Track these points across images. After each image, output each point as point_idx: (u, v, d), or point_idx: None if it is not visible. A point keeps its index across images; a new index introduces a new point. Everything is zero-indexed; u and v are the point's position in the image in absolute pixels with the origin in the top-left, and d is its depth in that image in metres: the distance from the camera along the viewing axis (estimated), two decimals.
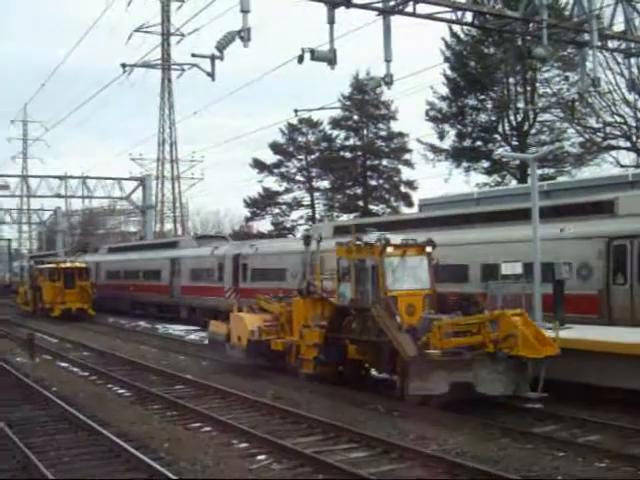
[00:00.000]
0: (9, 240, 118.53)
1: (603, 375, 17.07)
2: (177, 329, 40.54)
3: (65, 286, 48.47)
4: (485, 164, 50.73)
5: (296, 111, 38.10)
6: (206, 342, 29.17)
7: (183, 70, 64.79)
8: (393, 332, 17.96)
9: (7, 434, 14.97)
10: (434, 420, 15.82)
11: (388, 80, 19.89)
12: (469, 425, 15.54)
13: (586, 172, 46.30)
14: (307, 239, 26.06)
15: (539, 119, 48.62)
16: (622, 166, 43.57)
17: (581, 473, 12.20)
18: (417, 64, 33.40)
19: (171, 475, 11.93)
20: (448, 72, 49.64)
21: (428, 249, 19.75)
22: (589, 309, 20.51)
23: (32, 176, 77.68)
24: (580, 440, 14.41)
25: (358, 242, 20.08)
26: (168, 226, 79.03)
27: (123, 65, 48.81)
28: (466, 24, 23.41)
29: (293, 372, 22.09)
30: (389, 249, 19.26)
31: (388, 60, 19.59)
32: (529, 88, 48.05)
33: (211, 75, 20.86)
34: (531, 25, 21.38)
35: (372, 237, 19.95)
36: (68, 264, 50.80)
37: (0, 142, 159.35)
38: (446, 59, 48.54)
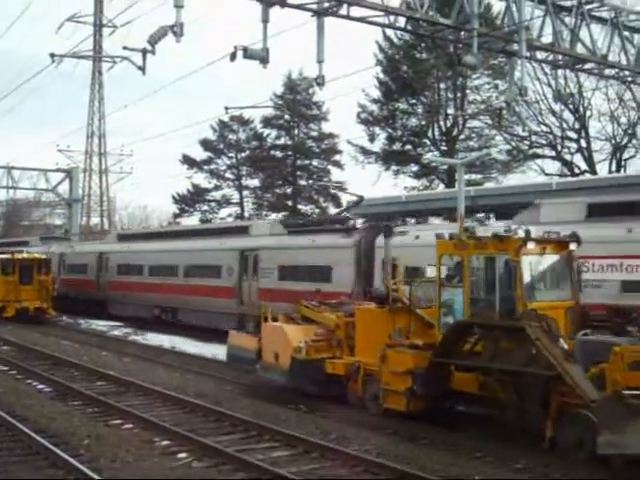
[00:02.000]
0: None
1: None
2: None
3: (20, 281, 41.03)
4: (414, 168, 51.38)
5: (227, 108, 38.04)
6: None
7: (114, 62, 63.55)
8: (561, 363, 13.10)
9: None
10: None
11: (320, 81, 19.96)
12: None
13: (512, 179, 47.29)
14: (388, 230, 21.65)
15: (468, 125, 49.51)
16: (546, 174, 44.64)
17: None
18: (350, 66, 33.75)
19: (90, 472, 11.81)
20: (381, 75, 50.11)
21: (572, 246, 15.71)
22: None
23: None
24: None
25: (476, 234, 16.13)
26: (95, 220, 77.90)
27: (52, 55, 47.90)
28: (399, 29, 23.67)
29: (358, 404, 17.27)
30: (530, 245, 14.86)
31: (320, 61, 19.66)
32: (459, 94, 48.83)
33: (142, 69, 20.68)
34: (462, 33, 21.68)
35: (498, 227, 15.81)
36: (25, 255, 43.06)
37: None
38: (379, 62, 48.99)
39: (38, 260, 42.09)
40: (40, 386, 20.87)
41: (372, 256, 26.35)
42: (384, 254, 20.66)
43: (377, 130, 51.46)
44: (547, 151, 45.36)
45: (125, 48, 21.48)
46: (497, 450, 13.73)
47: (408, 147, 51.39)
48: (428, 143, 50.67)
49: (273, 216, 65.23)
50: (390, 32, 46.08)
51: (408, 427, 15.44)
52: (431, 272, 19.90)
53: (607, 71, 24.87)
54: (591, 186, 25.50)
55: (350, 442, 14.37)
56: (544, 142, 44.79)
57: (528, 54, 22.34)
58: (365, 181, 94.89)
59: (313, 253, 28.79)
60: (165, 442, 14.43)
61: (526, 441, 13.80)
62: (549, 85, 39.06)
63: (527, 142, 45.35)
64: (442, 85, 48.83)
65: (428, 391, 15.54)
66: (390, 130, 51.12)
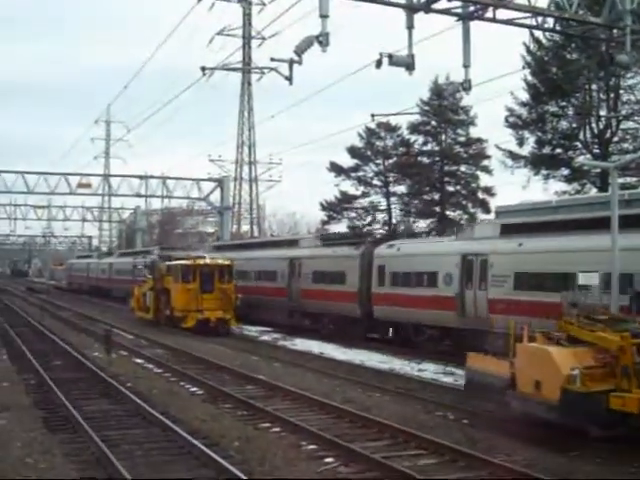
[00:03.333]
0: (89, 237, 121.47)
1: None
2: None
3: (201, 289, 38.68)
4: (565, 172, 49.89)
5: (373, 116, 38.14)
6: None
7: (263, 73, 65.35)
8: None
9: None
10: None
11: (466, 86, 19.82)
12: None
13: None
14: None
15: (622, 127, 47.67)
16: None
17: None
18: (497, 69, 33.20)
19: (240, 474, 12.06)
20: (529, 78, 49.05)
21: None
22: None
23: (114, 175, 79.72)
24: None
25: None
26: (245, 227, 79.76)
27: (203, 68, 49.44)
28: (547, 30, 23.18)
29: None
30: None
31: (467, 65, 19.53)
32: (612, 95, 47.09)
33: (289, 79, 21.03)
34: (615, 31, 20.99)
35: None
36: (207, 260, 40.55)
37: (84, 142, 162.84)
38: (527, 64, 47.96)
39: (220, 266, 39.46)
40: (193, 389, 21.53)
41: (371, 263, 32.87)
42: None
43: (526, 134, 50.31)
44: None
45: (273, 59, 21.93)
46: None
47: (558, 150, 49.98)
48: (579, 146, 49.14)
49: (421, 223, 65.04)
50: (538, 33, 45.12)
51: (559, 439, 15.00)
52: (582, 279, 19.59)
53: None
54: None
55: (498, 452, 14.12)
56: None
57: None
58: (513, 186, 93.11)
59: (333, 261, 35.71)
60: (312, 446, 14.59)
61: None
62: None
63: None
64: (594, 86, 47.29)
65: None
66: (540, 133, 49.89)
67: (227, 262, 39.87)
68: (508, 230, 27.09)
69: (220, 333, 36.79)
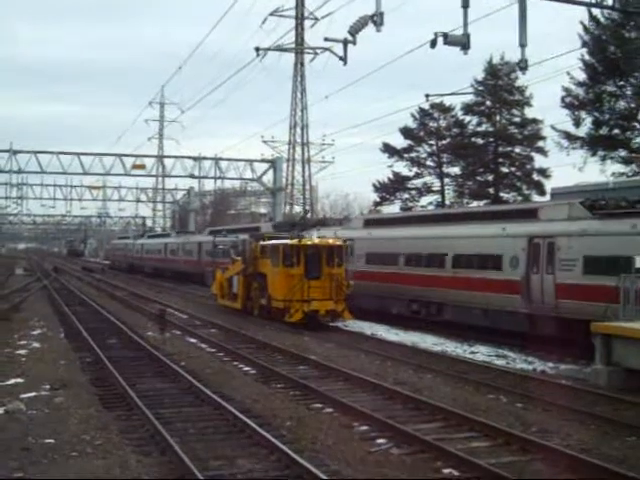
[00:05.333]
0: (143, 218, 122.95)
1: None
2: None
3: (307, 275, 32.08)
4: (622, 153, 49.07)
5: (427, 96, 37.85)
6: None
7: (316, 54, 65.24)
8: None
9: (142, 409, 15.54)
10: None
11: (523, 65, 19.57)
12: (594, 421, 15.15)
13: None
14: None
15: None
16: None
17: None
18: (553, 49, 32.65)
19: (292, 453, 12.11)
20: (586, 57, 48.24)
21: None
22: None
23: (167, 156, 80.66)
24: None
25: None
26: (297, 208, 79.93)
27: (257, 49, 49.57)
28: (606, 7, 22.73)
29: None
30: None
31: (523, 45, 19.24)
32: None
33: (343, 59, 20.97)
34: None
35: None
36: (316, 240, 33.22)
37: (138, 123, 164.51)
38: (584, 44, 47.15)
39: (330, 247, 32.65)
40: (245, 368, 21.66)
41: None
42: None
43: (583, 114, 49.55)
44: None
45: (326, 39, 21.91)
46: None
47: (616, 131, 49.16)
48: (638, 127, 48.29)
49: (474, 204, 64.45)
50: (596, 11, 44.31)
51: (615, 424, 14.86)
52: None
53: None
54: None
55: (552, 436, 13.98)
56: None
57: None
58: (569, 168, 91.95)
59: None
60: (364, 427, 14.56)
61: None
62: None
63: None
64: None
65: None
66: (597, 114, 49.10)
67: (339, 242, 33.19)
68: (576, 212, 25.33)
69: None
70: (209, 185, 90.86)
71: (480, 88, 61.48)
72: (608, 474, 11.48)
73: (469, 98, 61.51)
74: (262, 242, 35.76)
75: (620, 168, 49.25)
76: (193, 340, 27.71)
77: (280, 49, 64.90)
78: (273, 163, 70.36)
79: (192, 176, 73.45)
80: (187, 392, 17.72)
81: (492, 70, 60.60)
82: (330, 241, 33.20)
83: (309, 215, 67.07)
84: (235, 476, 11.44)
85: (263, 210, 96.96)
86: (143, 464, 11.95)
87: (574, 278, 23.95)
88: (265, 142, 75.13)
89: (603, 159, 49.21)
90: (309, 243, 32.52)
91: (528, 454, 12.87)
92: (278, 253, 32.82)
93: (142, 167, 73.03)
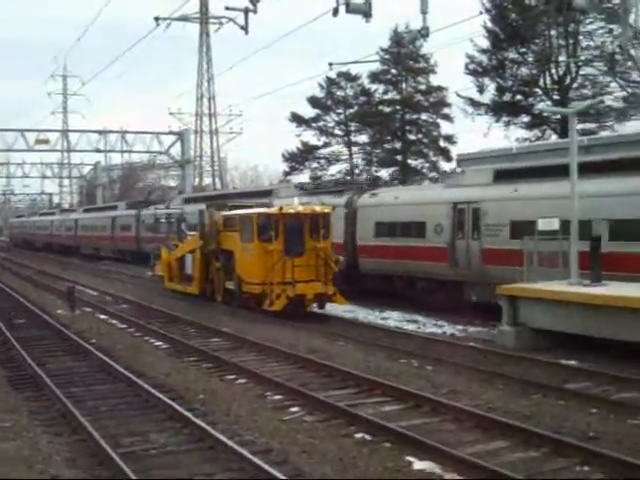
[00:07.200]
0: (50, 194, 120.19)
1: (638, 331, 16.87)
2: None
3: (288, 251, 25.89)
4: (525, 119, 50.05)
5: (330, 64, 37.64)
6: None
7: (221, 24, 64.53)
8: None
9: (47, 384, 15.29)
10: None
11: (424, 32, 19.74)
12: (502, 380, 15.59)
13: (630, 127, 45.58)
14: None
15: (581, 72, 47.76)
16: None
17: (613, 430, 12.13)
18: (456, 16, 32.95)
19: (205, 425, 12.11)
20: (489, 24, 48.89)
21: None
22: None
23: (72, 130, 78.89)
24: (613, 397, 14.32)
25: None
26: (207, 180, 79.34)
27: (156, 18, 48.68)
28: None
29: None
30: None
31: (424, 12, 19.38)
32: (571, 41, 47.09)
33: (244, 28, 20.79)
34: None
35: None
36: (299, 208, 26.86)
37: (40, 96, 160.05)
38: (486, 11, 47.73)
39: (313, 216, 26.61)
40: (157, 343, 21.51)
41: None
42: None
43: (486, 81, 50.26)
44: None
45: (227, 8, 21.65)
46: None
47: (519, 97, 50.06)
48: (539, 93, 49.21)
49: (383, 172, 65.04)
50: None
51: (522, 383, 15.35)
52: (542, 225, 19.92)
53: None
54: None
55: (461, 396, 14.32)
56: None
57: None
58: (474, 134, 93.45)
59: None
60: (277, 397, 14.66)
61: None
62: None
63: None
64: (553, 32, 47.17)
65: None
66: (500, 80, 49.88)
67: (326, 210, 27.08)
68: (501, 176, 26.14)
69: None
70: (116, 159, 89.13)
71: (386, 56, 61.73)
72: (514, 430, 11.86)
73: (375, 67, 61.81)
74: (225, 212, 29.78)
75: (524, 133, 50.35)
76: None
77: (181, 19, 63.71)
78: (180, 135, 69.40)
79: (98, 150, 71.86)
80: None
81: (397, 38, 60.86)
82: (317, 208, 27.19)
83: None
84: (148, 451, 11.38)
85: (172, 183, 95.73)
86: (54, 444, 11.77)
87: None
88: (172, 114, 74.37)
89: (507, 125, 50.16)
90: (291, 211, 26.27)
91: (439, 415, 13.18)
92: (251, 225, 26.71)
93: (46, 142, 71.18)
